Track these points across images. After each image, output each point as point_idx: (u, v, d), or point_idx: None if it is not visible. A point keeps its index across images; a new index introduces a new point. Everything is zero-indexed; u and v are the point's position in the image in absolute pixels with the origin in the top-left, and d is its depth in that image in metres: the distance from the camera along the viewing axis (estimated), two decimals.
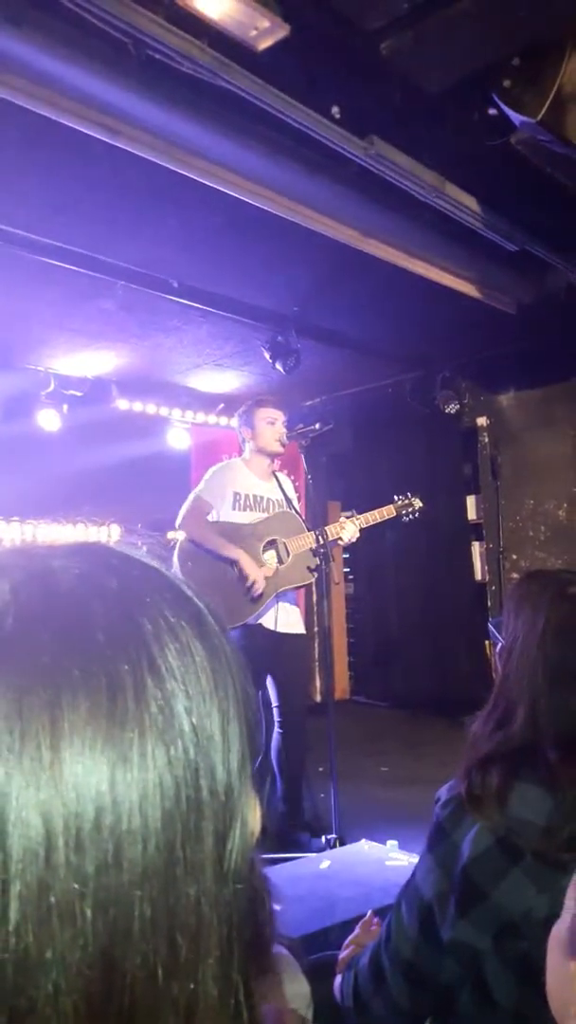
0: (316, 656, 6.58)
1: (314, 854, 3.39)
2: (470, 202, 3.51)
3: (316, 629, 5.90)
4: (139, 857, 0.37)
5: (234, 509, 3.77)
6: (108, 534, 4.90)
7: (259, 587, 3.57)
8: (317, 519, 3.77)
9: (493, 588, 6.31)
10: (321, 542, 3.62)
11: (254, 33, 2.41)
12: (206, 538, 3.66)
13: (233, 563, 3.59)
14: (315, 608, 6.44)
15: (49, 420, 5.70)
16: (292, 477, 4.21)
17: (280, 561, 3.75)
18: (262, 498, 3.84)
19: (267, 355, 5.15)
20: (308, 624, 4.37)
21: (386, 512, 3.98)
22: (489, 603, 6.37)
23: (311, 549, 3.70)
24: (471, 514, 6.67)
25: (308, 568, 3.74)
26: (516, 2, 2.43)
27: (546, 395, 6.11)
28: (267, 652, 3.59)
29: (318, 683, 7.12)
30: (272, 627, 3.67)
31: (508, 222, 3.74)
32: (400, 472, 6.65)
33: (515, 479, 6.16)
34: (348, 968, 1.38)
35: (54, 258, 3.92)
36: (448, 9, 2.45)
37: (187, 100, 2.73)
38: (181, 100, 2.71)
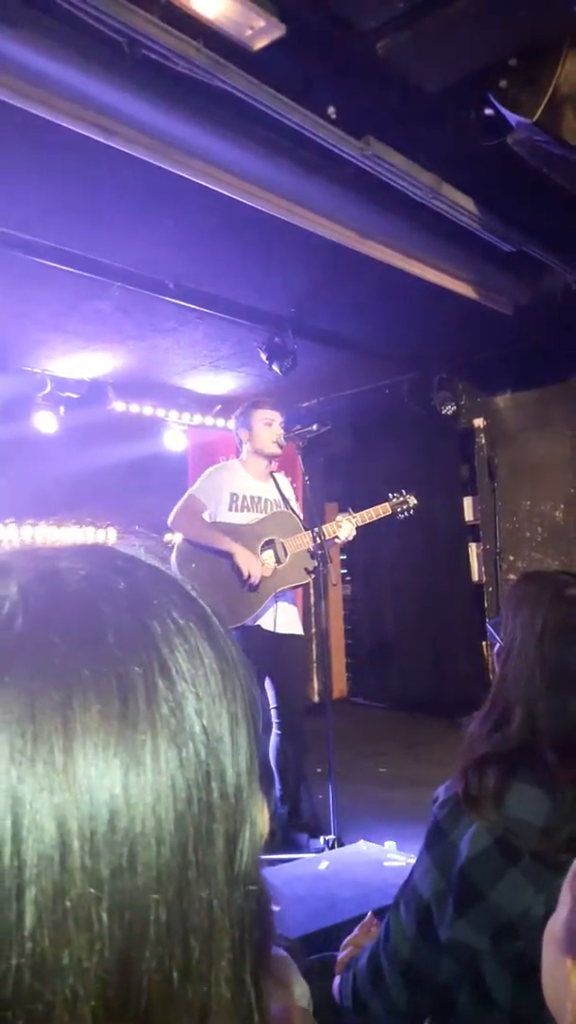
0: (314, 657, 6.58)
1: (312, 855, 3.39)
2: (467, 203, 3.51)
3: (314, 630, 5.89)
4: (153, 860, 0.37)
5: (231, 510, 3.76)
6: (105, 536, 4.90)
7: (255, 579, 3.57)
8: (315, 520, 3.77)
9: (490, 589, 6.31)
10: (319, 541, 3.62)
11: (250, 33, 2.41)
12: (199, 534, 3.66)
13: (229, 556, 3.58)
14: (312, 609, 6.44)
15: (46, 422, 5.69)
16: (290, 478, 4.20)
17: (278, 561, 3.74)
18: (259, 499, 3.83)
19: (264, 356, 5.15)
20: (305, 625, 4.37)
21: (381, 510, 3.98)
22: (486, 604, 6.37)
23: (309, 549, 3.70)
24: (468, 515, 6.67)
25: (305, 569, 3.74)
26: (513, 2, 2.43)
27: (543, 396, 6.11)
28: (266, 653, 3.59)
29: (315, 684, 7.11)
30: (271, 628, 3.66)
31: (505, 223, 3.75)
32: (397, 473, 6.64)
33: (512, 480, 6.16)
34: (347, 969, 1.38)
35: (50, 259, 3.91)
36: (445, 9, 2.44)
37: (183, 100, 2.72)
38: (177, 100, 2.71)
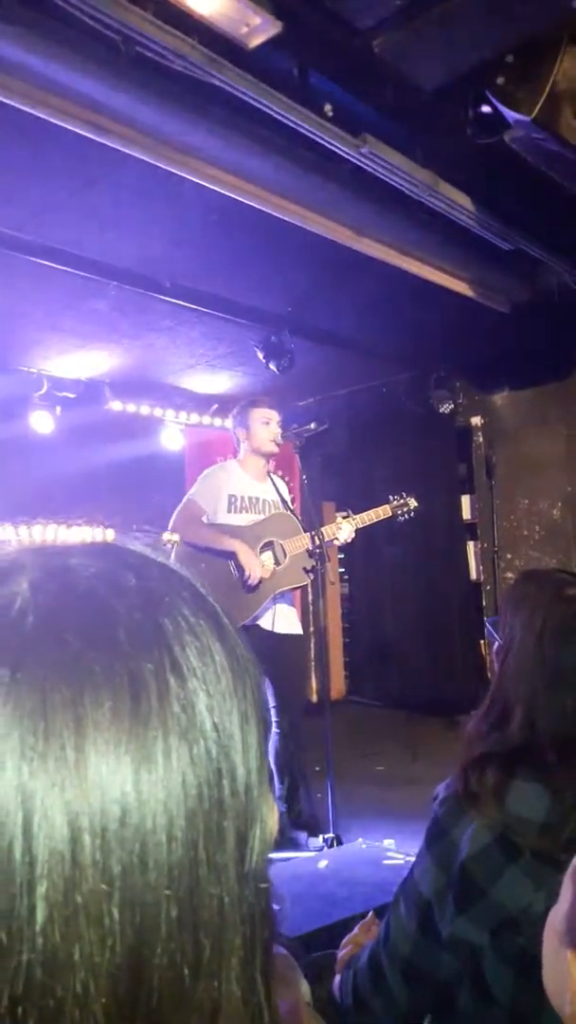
0: (312, 656, 6.57)
1: (311, 853, 3.39)
2: (464, 200, 3.51)
3: (312, 629, 5.89)
4: (164, 857, 0.37)
5: (229, 512, 3.75)
6: (104, 536, 4.89)
7: (255, 578, 3.56)
8: (313, 521, 3.77)
9: (488, 588, 6.32)
10: (317, 543, 3.62)
11: (245, 30, 2.40)
12: (200, 535, 3.65)
13: (231, 555, 3.57)
14: (311, 608, 6.44)
15: (42, 422, 5.68)
16: (287, 478, 4.20)
17: (277, 562, 3.74)
18: (258, 499, 3.83)
19: (261, 355, 5.14)
20: (304, 624, 4.36)
21: (381, 512, 3.98)
22: (484, 602, 6.38)
23: (307, 550, 3.69)
24: (466, 514, 6.67)
25: (304, 569, 3.74)
26: None
27: (540, 394, 6.11)
28: (265, 653, 3.58)
29: (314, 683, 7.11)
30: (270, 628, 3.66)
31: (502, 221, 3.74)
32: (395, 472, 6.64)
33: (509, 479, 6.16)
34: (347, 967, 1.38)
35: (45, 259, 3.90)
36: (442, 6, 2.44)
37: (178, 98, 2.71)
38: (172, 98, 2.70)
